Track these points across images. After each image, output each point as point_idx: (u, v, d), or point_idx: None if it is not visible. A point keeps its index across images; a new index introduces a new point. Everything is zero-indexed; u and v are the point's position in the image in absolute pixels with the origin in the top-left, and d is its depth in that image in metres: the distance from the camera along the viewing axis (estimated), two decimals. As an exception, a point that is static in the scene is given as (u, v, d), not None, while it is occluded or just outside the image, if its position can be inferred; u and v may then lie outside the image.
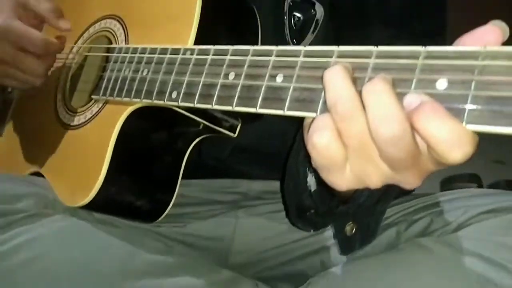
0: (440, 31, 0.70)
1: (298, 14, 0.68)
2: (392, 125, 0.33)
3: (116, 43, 0.67)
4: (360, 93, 0.35)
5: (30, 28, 0.65)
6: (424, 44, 0.35)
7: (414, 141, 0.34)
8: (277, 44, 0.42)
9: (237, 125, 0.66)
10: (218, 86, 0.45)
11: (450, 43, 0.35)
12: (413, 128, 0.33)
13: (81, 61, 0.72)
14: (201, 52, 0.49)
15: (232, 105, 0.44)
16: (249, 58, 0.44)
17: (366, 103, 0.34)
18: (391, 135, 0.33)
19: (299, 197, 0.56)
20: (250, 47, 0.44)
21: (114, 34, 0.68)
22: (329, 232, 0.69)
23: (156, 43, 0.55)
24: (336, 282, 0.59)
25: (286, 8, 0.68)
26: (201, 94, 0.47)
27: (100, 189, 0.60)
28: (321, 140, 0.36)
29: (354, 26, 0.69)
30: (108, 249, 0.59)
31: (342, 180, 0.37)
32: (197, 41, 0.57)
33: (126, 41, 0.65)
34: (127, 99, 0.56)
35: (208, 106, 0.46)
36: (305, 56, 0.40)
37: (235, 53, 0.45)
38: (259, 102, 0.42)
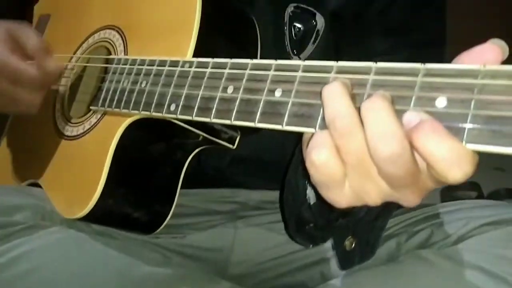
0: (440, 42, 0.69)
1: (298, 25, 0.68)
2: (391, 143, 0.33)
3: (115, 54, 0.66)
4: (359, 109, 0.35)
5: (26, 64, 0.64)
6: (424, 54, 0.35)
7: (413, 159, 0.33)
8: (277, 55, 0.42)
9: (236, 137, 0.66)
10: (217, 100, 0.45)
11: (449, 54, 0.35)
12: (412, 146, 0.33)
13: (80, 71, 0.72)
14: (200, 65, 0.48)
15: (230, 119, 0.44)
16: (247, 72, 0.43)
17: (365, 120, 0.34)
18: (390, 153, 0.33)
19: (298, 209, 0.56)
20: (249, 61, 0.44)
21: (113, 45, 0.68)
22: (329, 243, 0.68)
23: (155, 55, 0.55)
24: (336, 294, 0.59)
25: (286, 18, 0.68)
26: (199, 107, 0.47)
27: (98, 201, 0.59)
28: (319, 157, 0.35)
29: (355, 36, 0.69)
30: (106, 260, 0.59)
31: (341, 197, 0.37)
32: (196, 53, 0.57)
33: (125, 52, 0.65)
34: (125, 110, 0.56)
35: (207, 120, 0.46)
36: (304, 71, 0.40)
37: (233, 66, 0.45)
38: (257, 116, 0.41)
